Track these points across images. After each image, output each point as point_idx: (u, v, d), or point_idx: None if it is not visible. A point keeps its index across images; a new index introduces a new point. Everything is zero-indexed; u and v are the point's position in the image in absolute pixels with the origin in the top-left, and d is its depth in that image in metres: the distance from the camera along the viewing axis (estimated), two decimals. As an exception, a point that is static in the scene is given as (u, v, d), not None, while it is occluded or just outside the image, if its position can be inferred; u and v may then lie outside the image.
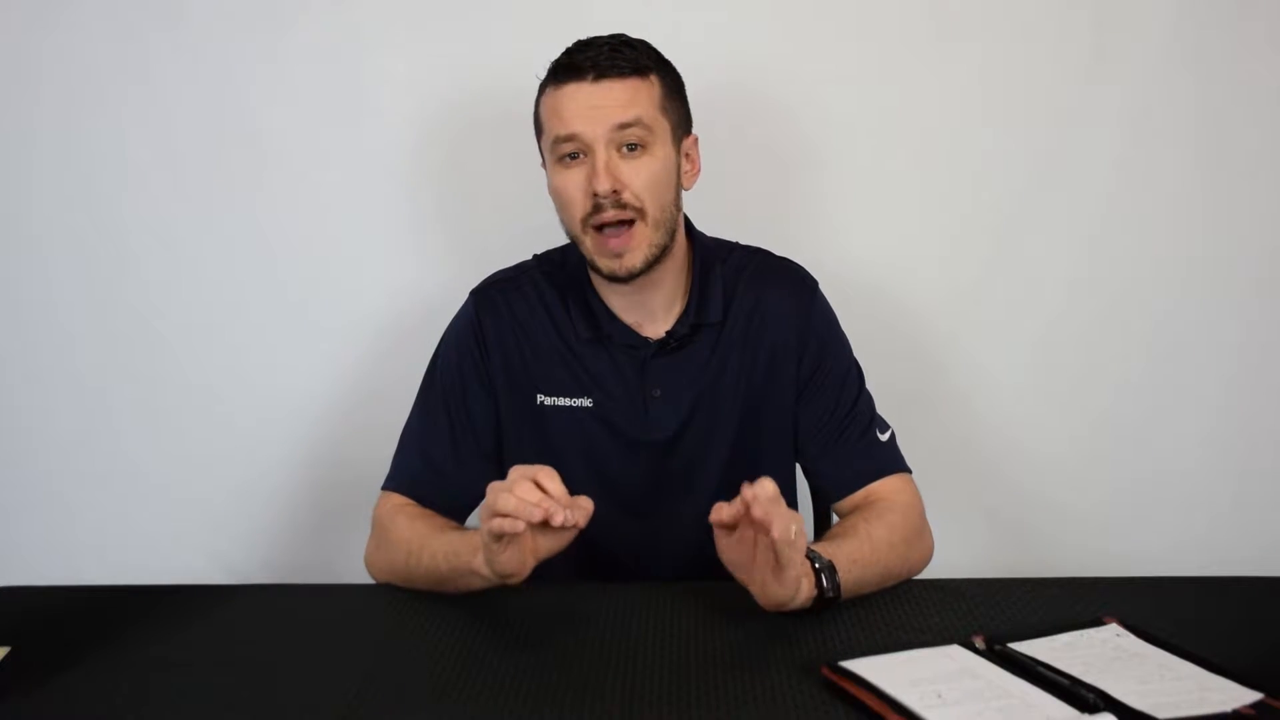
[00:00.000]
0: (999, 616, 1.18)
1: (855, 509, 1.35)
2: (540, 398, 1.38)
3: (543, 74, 1.33)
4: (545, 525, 1.06)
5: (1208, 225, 1.82)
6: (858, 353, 1.44)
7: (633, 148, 1.27)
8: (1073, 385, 1.86)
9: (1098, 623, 1.12)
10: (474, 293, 1.43)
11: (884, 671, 1.00)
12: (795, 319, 1.39)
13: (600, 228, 1.27)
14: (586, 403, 1.37)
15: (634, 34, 1.33)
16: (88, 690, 1.05)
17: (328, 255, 1.80)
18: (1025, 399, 1.87)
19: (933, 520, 1.36)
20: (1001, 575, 1.31)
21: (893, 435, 1.40)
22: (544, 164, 1.36)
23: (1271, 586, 1.28)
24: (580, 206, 1.28)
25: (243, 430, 1.83)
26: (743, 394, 1.38)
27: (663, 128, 1.30)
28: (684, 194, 1.36)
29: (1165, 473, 1.88)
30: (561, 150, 1.28)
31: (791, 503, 1.47)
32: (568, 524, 1.05)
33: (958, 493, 1.83)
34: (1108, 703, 0.95)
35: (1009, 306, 1.84)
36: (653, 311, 1.37)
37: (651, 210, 1.28)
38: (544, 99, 1.31)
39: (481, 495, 1.40)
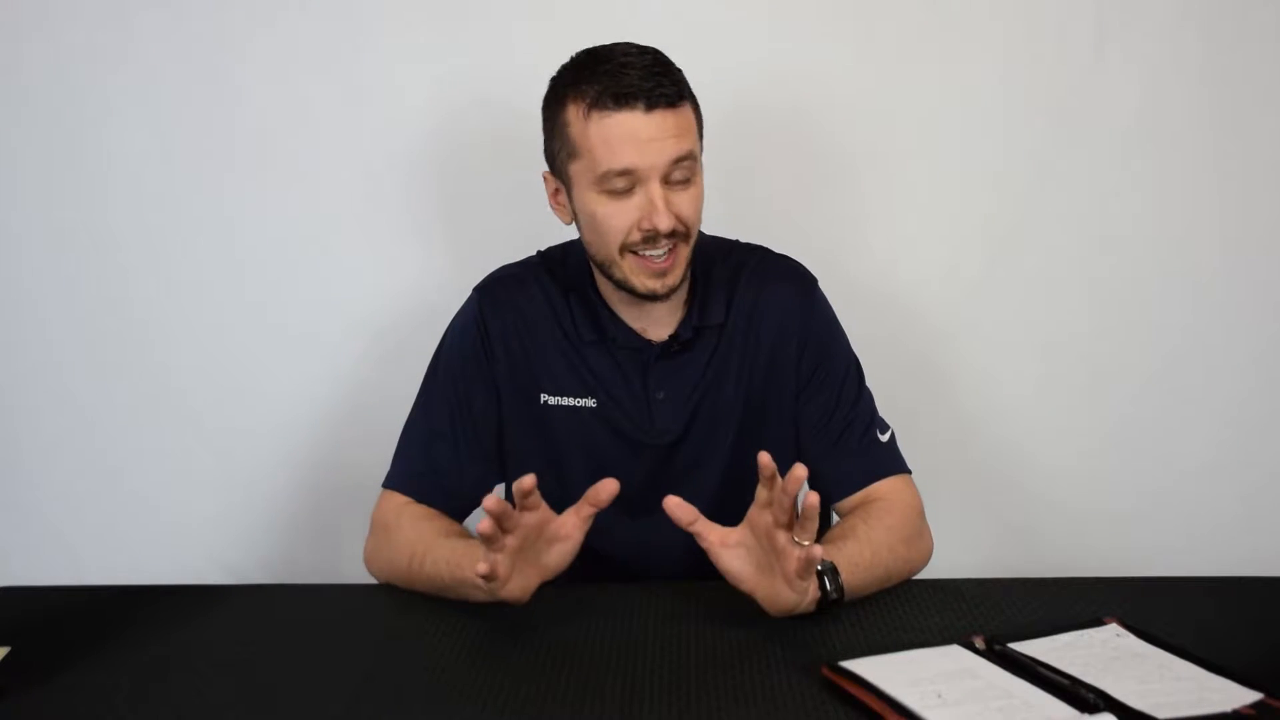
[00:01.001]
0: (999, 616, 1.18)
1: (854, 510, 1.35)
2: (544, 397, 1.37)
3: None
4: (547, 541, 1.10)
5: (1216, 226, 1.81)
6: (862, 355, 1.44)
7: (680, 178, 1.27)
8: (1075, 386, 1.86)
9: (1098, 623, 1.12)
10: (478, 289, 1.42)
11: (884, 671, 1.00)
12: (794, 317, 1.39)
13: (642, 253, 1.27)
14: (590, 403, 1.37)
15: (632, 38, 1.32)
16: (88, 690, 1.05)
17: (328, 255, 1.80)
18: (1027, 399, 1.87)
19: (933, 520, 1.36)
20: (1001, 575, 1.31)
21: (893, 435, 1.40)
22: (553, 172, 1.34)
23: (1272, 586, 1.28)
24: (626, 236, 1.26)
25: (243, 430, 1.83)
26: (744, 394, 1.38)
27: (700, 152, 1.31)
28: None
29: (1166, 474, 1.87)
30: (610, 185, 1.25)
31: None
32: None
33: (959, 493, 1.83)
34: (1108, 703, 0.95)
35: (1012, 307, 1.84)
36: (657, 316, 1.37)
37: (693, 234, 1.30)
38: (587, 124, 1.24)
39: (483, 493, 1.40)
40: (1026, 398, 1.87)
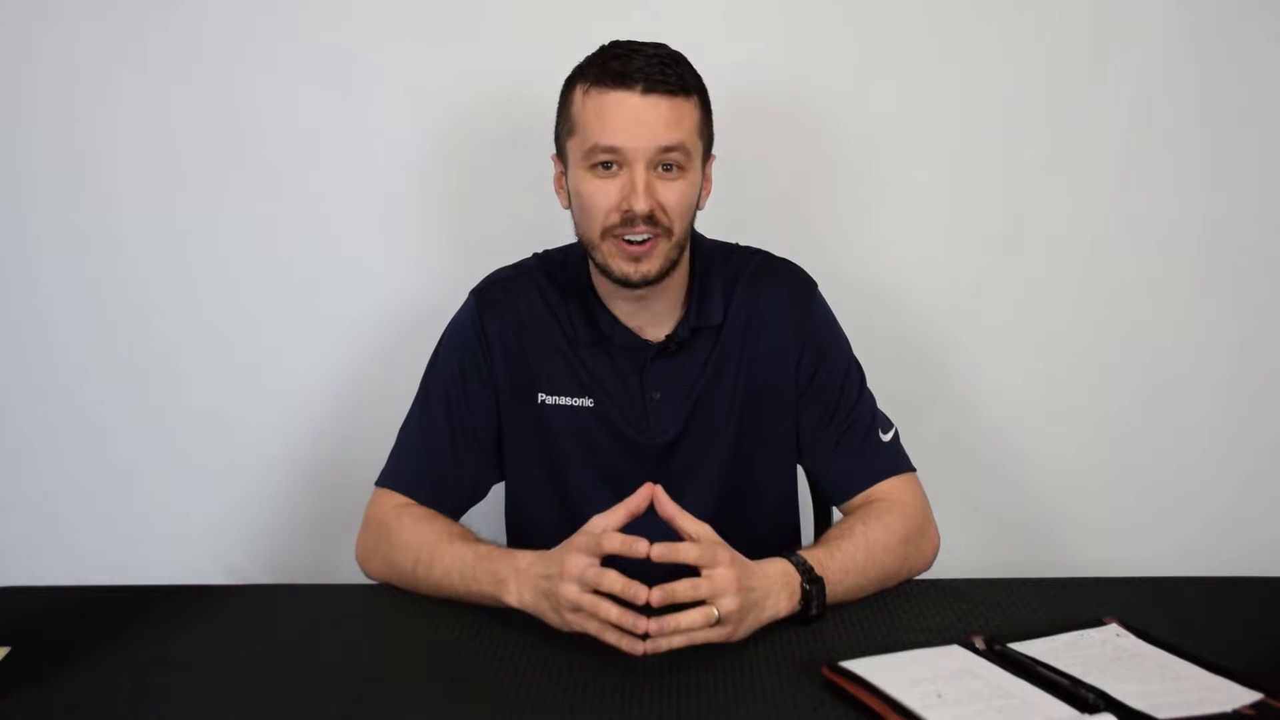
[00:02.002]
0: (999, 616, 1.18)
1: (855, 510, 1.35)
2: (541, 397, 1.37)
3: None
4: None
5: (1211, 227, 1.82)
6: (862, 354, 1.44)
7: (669, 168, 1.27)
8: (1074, 386, 1.86)
9: (1098, 623, 1.12)
10: (475, 291, 1.42)
11: (884, 671, 1.00)
12: (793, 320, 1.39)
13: (622, 237, 1.27)
14: (587, 403, 1.37)
15: (633, 37, 1.32)
16: (88, 690, 1.05)
17: (328, 255, 1.80)
18: (1027, 400, 1.87)
19: (935, 520, 1.36)
20: (1001, 575, 1.31)
21: (896, 434, 1.40)
22: (556, 155, 1.35)
23: (1271, 586, 1.28)
24: (607, 218, 1.27)
25: (243, 430, 1.83)
26: (741, 396, 1.38)
27: (697, 151, 1.30)
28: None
29: (1166, 473, 1.88)
30: (597, 159, 1.26)
31: (793, 504, 1.48)
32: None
33: (959, 493, 1.83)
34: (1108, 703, 0.95)
35: (1011, 307, 1.84)
36: (655, 315, 1.37)
37: (677, 231, 1.29)
38: (585, 99, 1.27)
39: (480, 493, 1.42)
40: (1025, 397, 1.87)
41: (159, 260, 1.79)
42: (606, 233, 1.27)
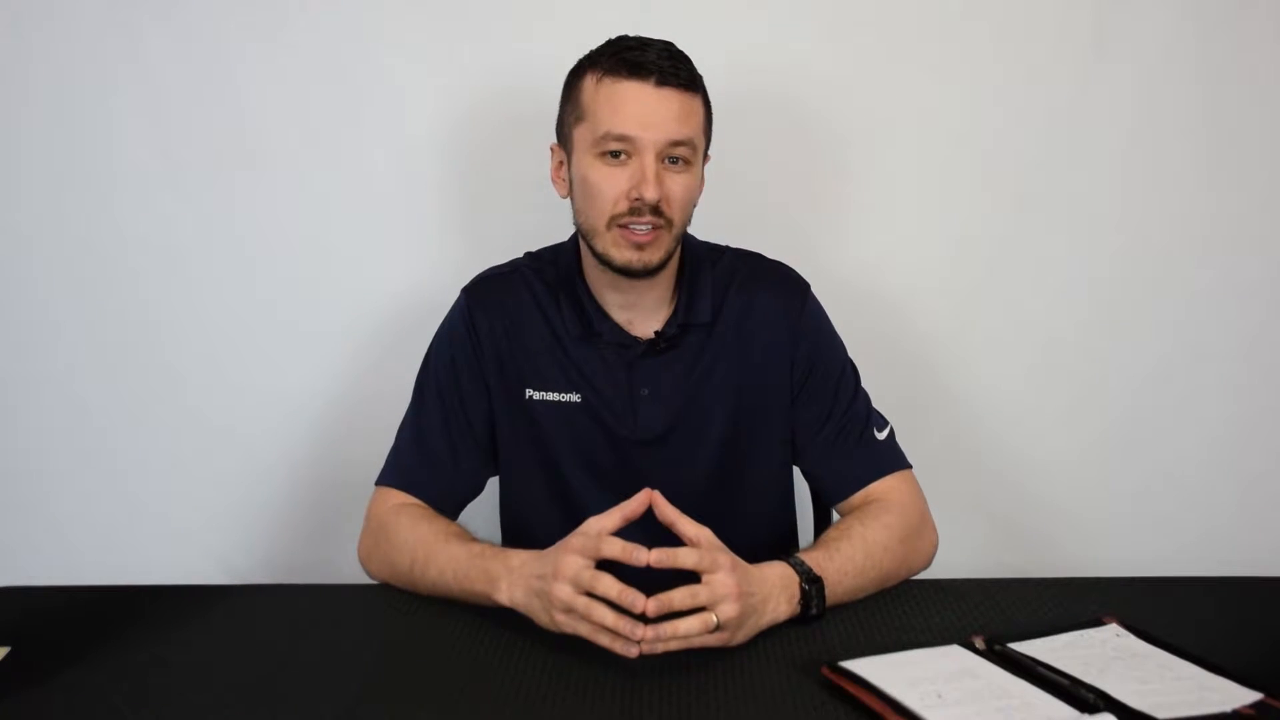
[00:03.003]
0: (999, 616, 1.18)
1: (853, 510, 1.35)
2: (530, 393, 1.38)
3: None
4: None
5: (1211, 227, 1.81)
6: (860, 355, 1.44)
7: (675, 161, 1.28)
8: (1074, 387, 1.86)
9: (1098, 623, 1.12)
10: (466, 289, 1.43)
11: (884, 671, 1.00)
12: (786, 322, 1.39)
13: (626, 225, 1.28)
14: (575, 398, 1.37)
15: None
16: (88, 690, 1.05)
17: (327, 255, 1.79)
18: (1026, 400, 1.87)
19: (934, 520, 1.36)
20: (1001, 575, 1.31)
21: (891, 432, 1.40)
22: (558, 144, 1.35)
23: (1271, 586, 1.28)
24: (614, 205, 1.27)
25: (243, 430, 1.83)
26: (732, 396, 1.38)
27: (702, 146, 1.33)
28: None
29: (1166, 474, 1.87)
30: (607, 146, 1.27)
31: (788, 505, 1.48)
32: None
33: (959, 493, 1.83)
34: (1108, 703, 0.95)
35: (1009, 307, 1.84)
36: (644, 311, 1.37)
37: (678, 224, 1.30)
38: (598, 87, 1.28)
39: (478, 488, 1.42)
40: (1025, 398, 1.87)
41: (157, 261, 1.79)
42: (612, 221, 1.28)
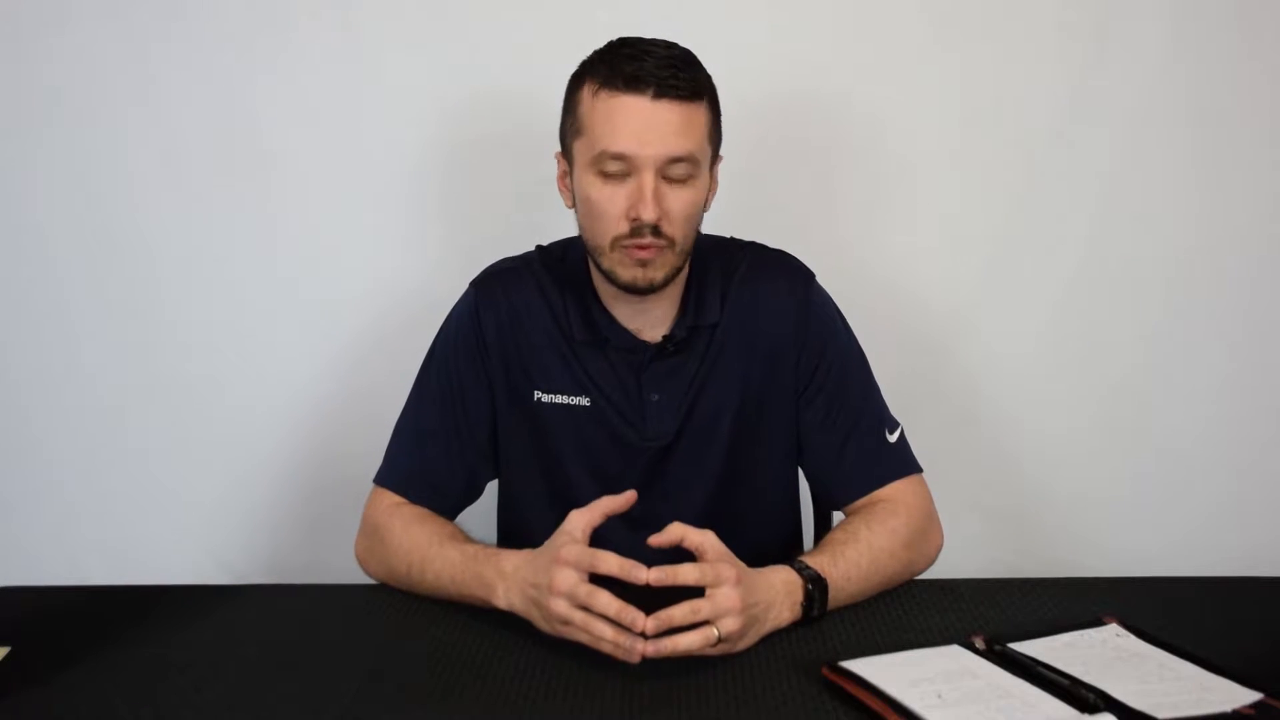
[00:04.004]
0: (999, 616, 1.18)
1: (858, 511, 1.33)
2: (537, 394, 1.36)
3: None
4: None
5: (1206, 222, 1.81)
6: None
7: (676, 177, 1.25)
8: (1073, 386, 1.86)
9: (1098, 623, 1.12)
10: (474, 284, 1.40)
11: (884, 671, 1.00)
12: (791, 313, 1.36)
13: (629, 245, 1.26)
14: (584, 402, 1.35)
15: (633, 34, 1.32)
16: (88, 690, 1.05)
17: (329, 255, 1.80)
18: (1025, 400, 1.87)
19: (939, 520, 1.36)
20: (1001, 575, 1.31)
21: (902, 434, 1.37)
22: (562, 154, 1.32)
23: (1272, 586, 1.28)
24: (616, 227, 1.25)
25: (243, 430, 1.83)
26: (739, 394, 1.36)
27: (705, 158, 1.28)
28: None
29: (1167, 472, 1.87)
30: (606, 167, 1.24)
31: (794, 506, 1.47)
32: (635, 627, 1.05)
33: (958, 493, 1.81)
34: (1108, 703, 0.95)
35: (1013, 306, 1.84)
36: (653, 318, 1.35)
37: (681, 241, 1.27)
38: (594, 101, 1.24)
39: (476, 490, 1.41)
40: (1026, 397, 1.87)
41: (159, 261, 1.79)
42: (615, 242, 1.25)
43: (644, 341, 1.35)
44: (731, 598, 1.06)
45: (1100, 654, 1.05)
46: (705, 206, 1.32)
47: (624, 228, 1.24)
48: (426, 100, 1.77)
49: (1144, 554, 1.84)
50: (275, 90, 1.75)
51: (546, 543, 1.12)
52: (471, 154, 1.78)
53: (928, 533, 1.32)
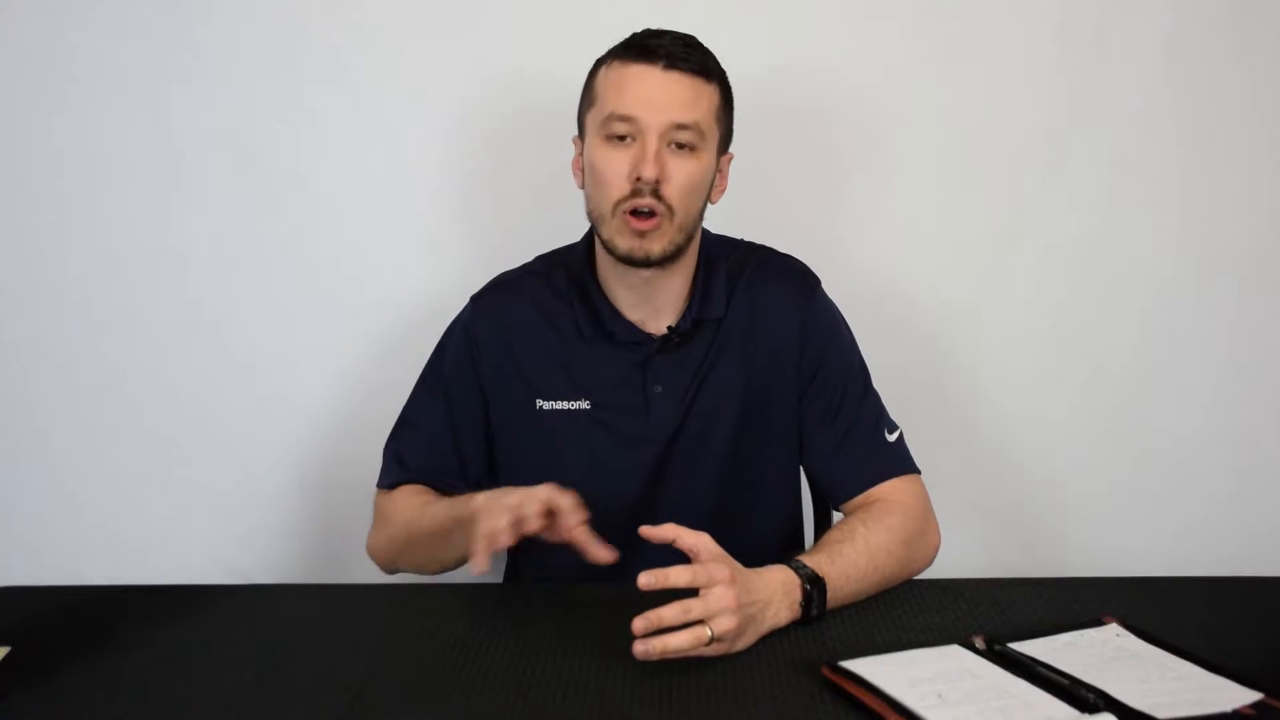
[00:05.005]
0: (999, 616, 1.18)
1: (856, 510, 1.34)
2: (539, 403, 1.38)
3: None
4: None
5: (1205, 223, 1.82)
6: (862, 351, 1.44)
7: (681, 146, 1.27)
8: (1074, 387, 1.86)
9: (1098, 623, 1.12)
10: (473, 298, 1.42)
11: (884, 671, 1.00)
12: (795, 317, 1.38)
13: (630, 211, 1.27)
14: (584, 404, 1.37)
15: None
16: (88, 690, 1.05)
17: (331, 256, 1.79)
18: (1026, 401, 1.87)
19: (936, 520, 1.36)
20: (1001, 575, 1.31)
21: (901, 435, 1.39)
22: (578, 136, 1.35)
23: (1271, 586, 1.28)
24: (618, 189, 1.27)
25: (244, 430, 1.82)
26: (741, 392, 1.37)
27: (713, 136, 1.30)
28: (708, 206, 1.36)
29: (1167, 472, 1.87)
30: (613, 129, 1.27)
31: (796, 503, 1.48)
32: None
33: (958, 493, 1.82)
34: (1108, 703, 0.95)
35: (1013, 306, 1.84)
36: (658, 308, 1.36)
37: (679, 214, 1.28)
38: (607, 72, 1.30)
39: (469, 487, 1.41)
40: (1026, 398, 1.86)
41: (161, 261, 1.79)
42: (617, 206, 1.27)
43: (648, 334, 1.36)
44: (725, 597, 1.06)
45: (1100, 654, 1.05)
46: (711, 197, 1.34)
47: (625, 189, 1.26)
48: (431, 105, 1.76)
49: (1144, 554, 1.84)
50: (283, 93, 1.75)
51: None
52: (477, 158, 1.77)
53: (925, 532, 1.33)
